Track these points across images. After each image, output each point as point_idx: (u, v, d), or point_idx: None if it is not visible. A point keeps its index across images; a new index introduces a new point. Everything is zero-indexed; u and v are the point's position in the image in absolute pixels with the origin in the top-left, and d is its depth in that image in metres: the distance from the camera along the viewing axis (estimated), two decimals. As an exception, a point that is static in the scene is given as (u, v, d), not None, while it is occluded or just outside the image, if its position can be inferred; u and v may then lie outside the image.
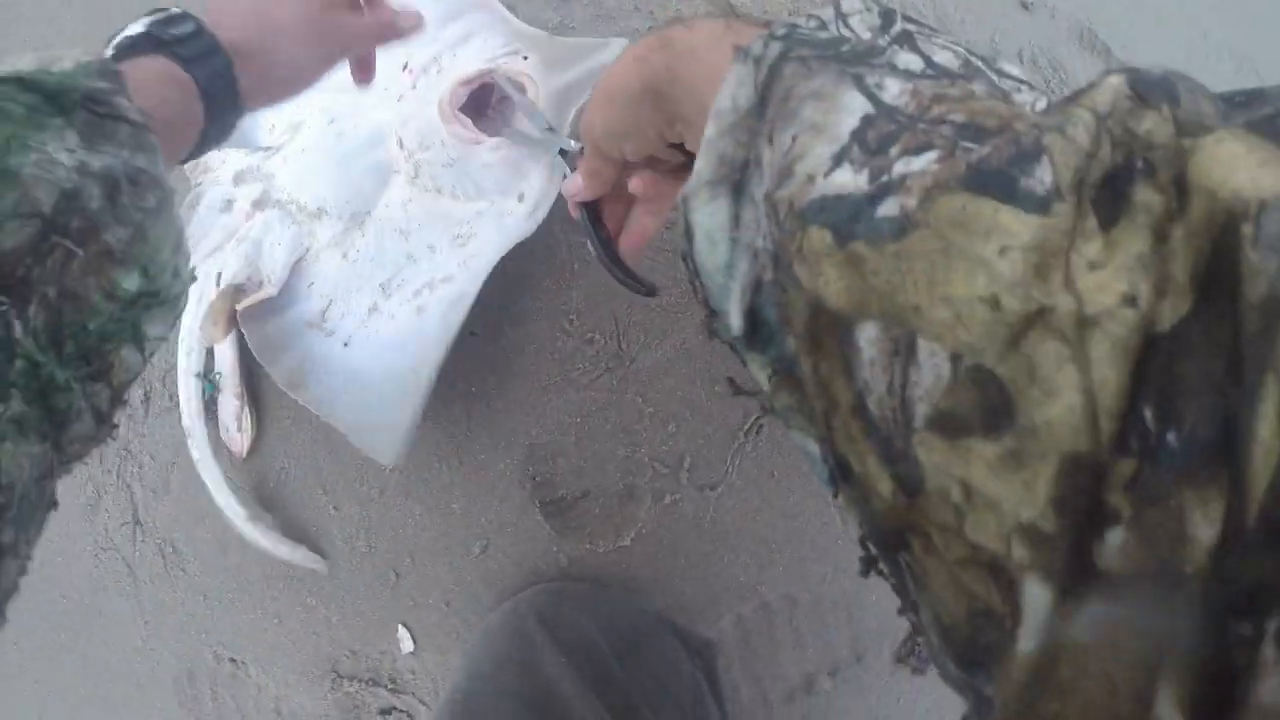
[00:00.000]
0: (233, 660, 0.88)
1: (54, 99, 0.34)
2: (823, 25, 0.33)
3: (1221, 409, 0.19)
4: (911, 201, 0.24)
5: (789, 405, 0.31)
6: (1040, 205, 0.22)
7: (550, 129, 0.61)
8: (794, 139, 0.29)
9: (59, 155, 0.33)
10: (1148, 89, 0.23)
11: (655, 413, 0.79)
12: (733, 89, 0.32)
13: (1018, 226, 0.22)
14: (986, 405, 0.22)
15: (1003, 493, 0.22)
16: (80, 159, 0.34)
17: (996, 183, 0.23)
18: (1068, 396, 0.21)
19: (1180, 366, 0.20)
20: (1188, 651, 0.19)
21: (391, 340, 0.70)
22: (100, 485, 0.87)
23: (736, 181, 0.31)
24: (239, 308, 0.72)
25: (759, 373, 0.33)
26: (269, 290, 0.71)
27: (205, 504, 0.85)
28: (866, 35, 0.33)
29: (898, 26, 0.33)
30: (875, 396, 0.25)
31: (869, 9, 0.34)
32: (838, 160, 0.27)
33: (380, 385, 0.70)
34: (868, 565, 0.30)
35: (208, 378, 0.79)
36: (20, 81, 0.34)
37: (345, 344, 0.71)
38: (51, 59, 0.36)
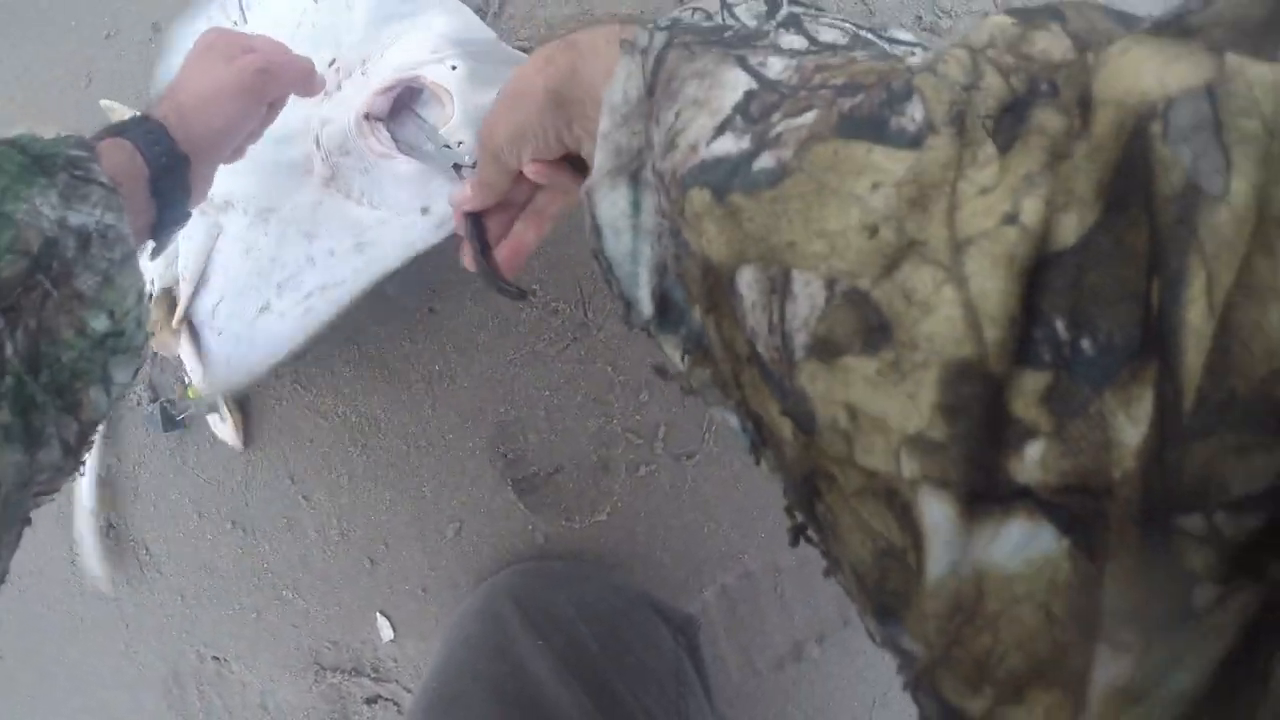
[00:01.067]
0: (216, 659, 0.86)
1: (40, 161, 0.40)
2: (708, 16, 0.35)
3: (1139, 314, 0.19)
4: (787, 153, 0.25)
5: (705, 381, 0.32)
6: (913, 141, 0.23)
7: (447, 145, 0.59)
8: (677, 114, 0.30)
9: (43, 209, 0.39)
10: (1030, 15, 0.24)
11: (626, 381, 0.77)
12: (622, 81, 0.33)
13: (889, 163, 0.23)
14: (863, 326, 0.22)
15: (886, 407, 0.22)
16: (60, 214, 0.40)
17: (868, 126, 0.24)
18: (945, 311, 0.21)
19: (1091, 276, 0.20)
20: (1128, 566, 0.19)
21: (273, 336, 0.68)
22: (70, 492, 0.85)
23: (634, 170, 0.32)
24: (178, 314, 0.71)
25: (673, 354, 0.33)
26: (185, 287, 0.69)
27: (175, 503, 0.83)
28: (752, 22, 0.34)
29: (784, 11, 0.34)
30: (762, 339, 0.25)
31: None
32: (720, 130, 0.28)
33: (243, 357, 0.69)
34: (796, 533, 0.30)
35: (186, 385, 0.77)
36: (14, 144, 0.40)
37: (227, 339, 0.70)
38: (37, 134, 0.43)
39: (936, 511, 0.21)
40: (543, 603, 0.66)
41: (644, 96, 0.32)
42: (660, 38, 0.33)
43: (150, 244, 0.52)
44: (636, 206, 0.33)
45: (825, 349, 0.23)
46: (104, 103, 0.78)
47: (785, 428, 0.25)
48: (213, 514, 0.83)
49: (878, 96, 0.24)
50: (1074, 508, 0.20)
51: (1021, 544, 0.20)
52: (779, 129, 0.26)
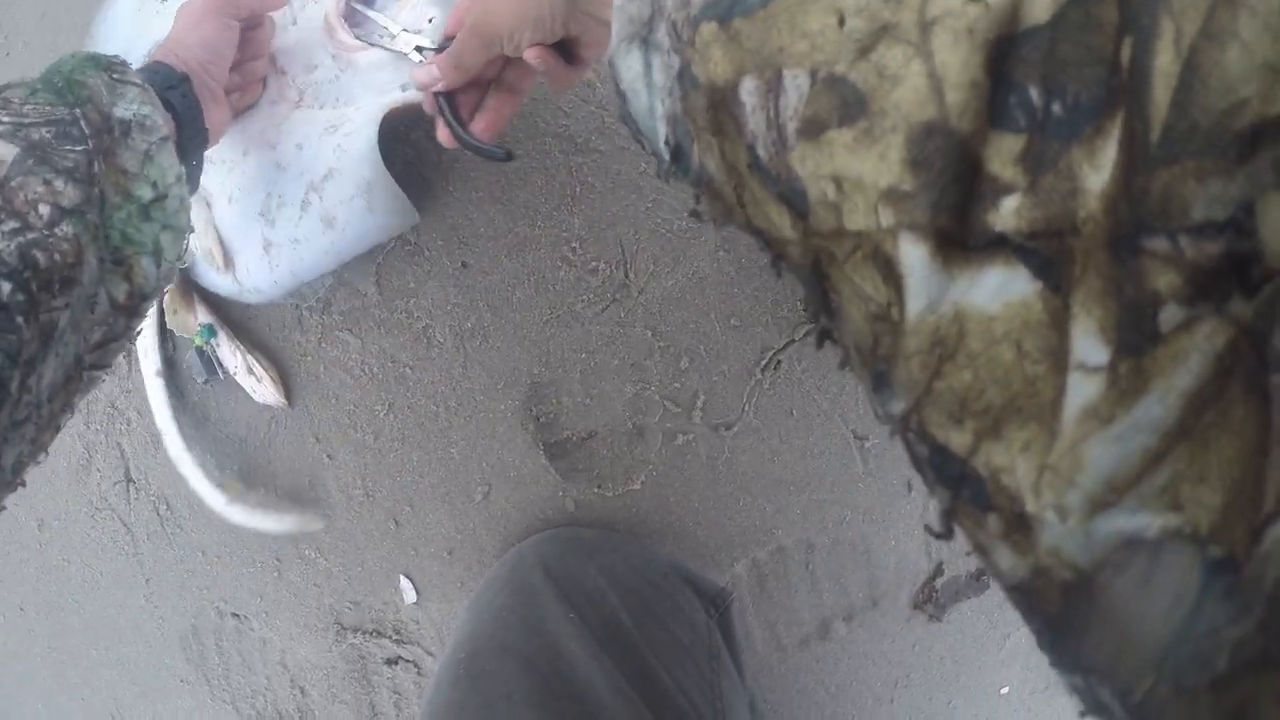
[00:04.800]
0: (235, 615, 0.85)
1: (93, 58, 0.48)
2: None
3: (1105, 75, 0.21)
4: None
5: (715, 211, 0.34)
6: None
7: (405, 30, 0.60)
8: None
9: (101, 89, 0.46)
10: None
11: (666, 347, 0.74)
12: None
13: None
14: (842, 103, 0.25)
15: (863, 169, 0.24)
16: (108, 101, 0.46)
17: None
18: (912, 81, 0.23)
19: (1062, 47, 0.21)
20: (1097, 288, 0.21)
21: (314, 259, 0.65)
22: (90, 444, 0.84)
23: (644, 37, 0.35)
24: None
25: (694, 193, 0.36)
26: (187, 259, 0.67)
27: (197, 458, 0.81)
28: None
29: None
30: (761, 140, 0.28)
31: None
32: None
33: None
34: (821, 335, 0.32)
35: (205, 333, 0.75)
36: (71, 54, 0.48)
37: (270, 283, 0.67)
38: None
39: (912, 254, 0.24)
40: (574, 573, 0.64)
41: None
42: None
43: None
44: (649, 66, 0.35)
45: (811, 128, 0.26)
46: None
47: (785, 223, 0.28)
48: (234, 468, 0.81)
49: None
50: (1045, 250, 0.21)
51: (999, 288, 0.22)
52: None
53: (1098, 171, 0.21)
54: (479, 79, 0.53)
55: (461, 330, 0.74)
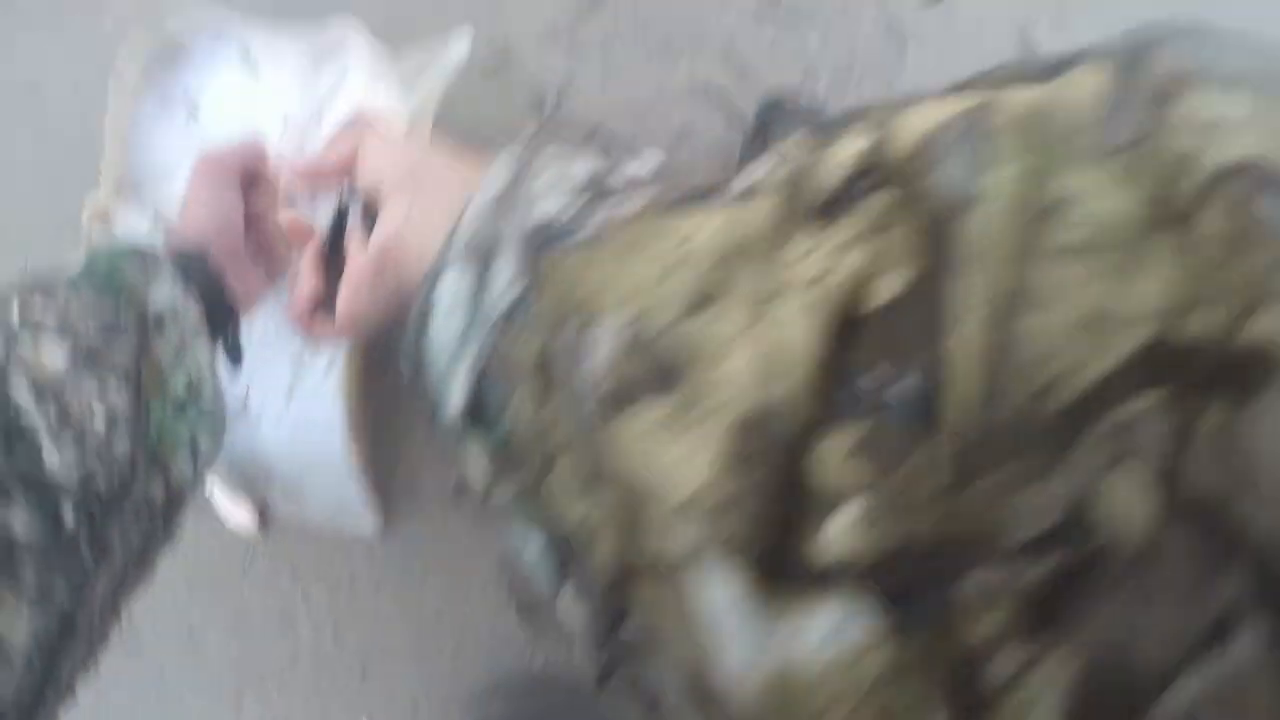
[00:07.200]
0: (186, 746, 0.83)
1: (132, 248, 0.47)
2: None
3: (934, 347, 0.18)
4: (616, 213, 0.27)
5: (509, 493, 0.32)
6: (738, 199, 0.24)
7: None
8: (534, 186, 0.32)
9: (137, 282, 0.46)
10: (832, 125, 0.25)
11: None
12: (493, 181, 0.35)
13: (708, 220, 0.24)
14: (657, 366, 0.22)
15: (667, 461, 0.20)
16: (144, 290, 0.45)
17: (695, 198, 0.25)
18: (742, 359, 0.20)
19: (905, 324, 0.19)
20: (925, 638, 0.17)
21: (323, 419, 0.66)
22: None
23: (485, 253, 0.33)
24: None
25: (479, 459, 0.33)
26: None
27: (165, 573, 0.80)
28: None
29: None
30: (576, 402, 0.25)
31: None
32: (568, 195, 0.30)
33: (326, 462, 0.67)
34: (604, 673, 0.28)
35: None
36: (108, 245, 0.48)
37: (275, 428, 0.68)
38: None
39: (724, 587, 0.19)
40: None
41: (508, 187, 0.34)
42: (525, 144, 0.37)
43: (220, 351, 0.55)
44: (482, 286, 0.32)
45: (619, 397, 0.23)
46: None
47: (591, 516, 0.24)
48: (205, 593, 0.80)
49: (714, 179, 0.27)
50: (888, 580, 0.18)
51: (833, 631, 0.18)
52: (608, 206, 0.29)
53: (938, 466, 0.18)
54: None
55: (448, 486, 0.75)
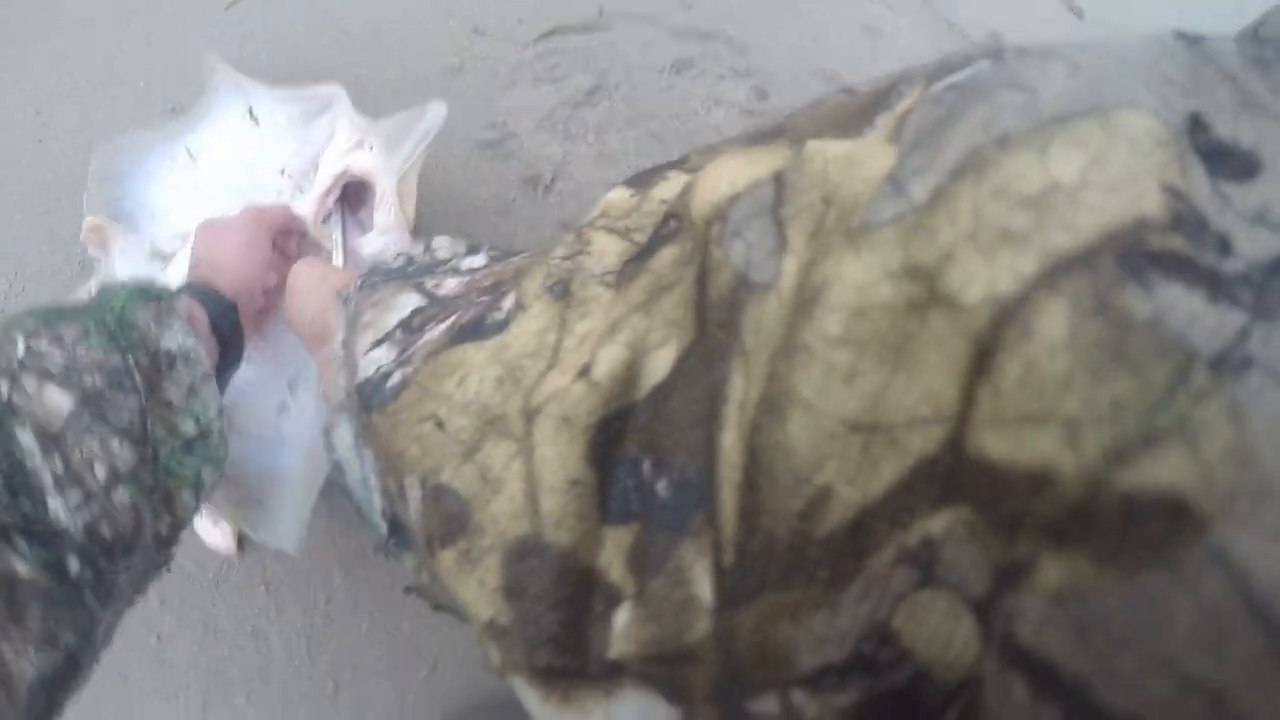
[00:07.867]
0: (149, 754, 0.83)
1: (143, 291, 0.48)
2: (410, 260, 0.39)
3: (706, 437, 0.16)
4: (410, 368, 0.27)
5: (434, 590, 0.32)
6: (500, 327, 0.24)
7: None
8: (356, 339, 0.33)
9: (149, 326, 0.47)
10: (647, 175, 0.25)
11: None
12: (336, 334, 0.36)
13: (478, 355, 0.24)
14: (446, 517, 0.22)
15: (467, 597, 0.21)
16: (156, 334, 0.47)
17: (470, 329, 0.25)
18: (511, 487, 0.20)
19: (670, 403, 0.17)
20: None
21: (303, 438, 0.68)
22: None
23: (352, 405, 0.34)
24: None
25: (415, 567, 0.34)
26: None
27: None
28: (446, 255, 0.38)
29: (484, 247, 0.38)
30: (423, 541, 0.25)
31: (457, 241, 0.39)
32: (376, 345, 0.31)
33: (277, 477, 0.68)
34: None
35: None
36: (122, 286, 0.49)
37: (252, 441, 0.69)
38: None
39: (529, 698, 0.20)
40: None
41: (346, 338, 0.35)
42: (356, 284, 0.37)
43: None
44: (359, 438, 0.33)
45: (430, 545, 0.24)
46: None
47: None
48: (175, 603, 0.80)
49: (482, 304, 0.26)
50: (664, 679, 0.16)
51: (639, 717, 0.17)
52: (417, 344, 0.28)
53: (709, 575, 0.16)
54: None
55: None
